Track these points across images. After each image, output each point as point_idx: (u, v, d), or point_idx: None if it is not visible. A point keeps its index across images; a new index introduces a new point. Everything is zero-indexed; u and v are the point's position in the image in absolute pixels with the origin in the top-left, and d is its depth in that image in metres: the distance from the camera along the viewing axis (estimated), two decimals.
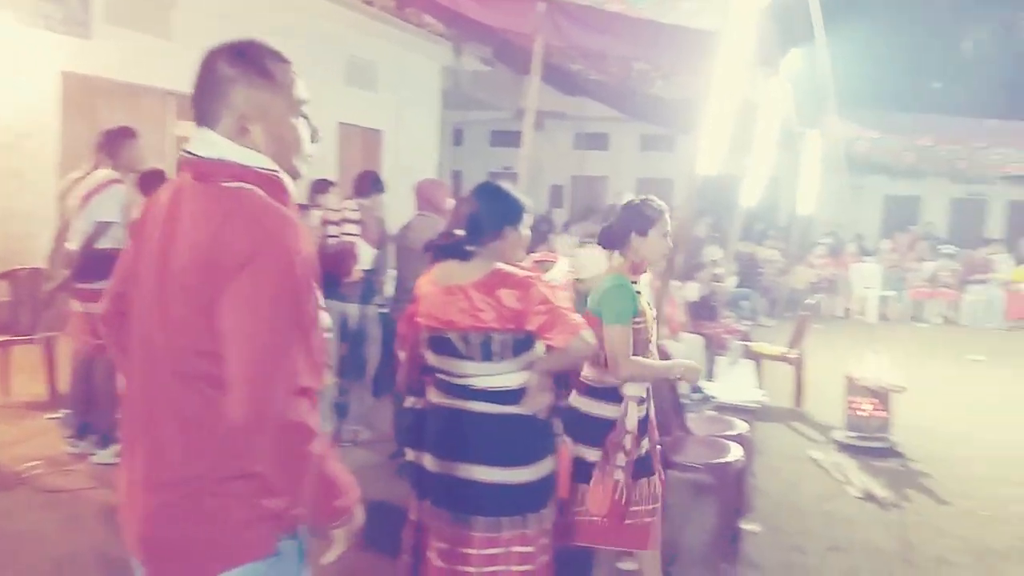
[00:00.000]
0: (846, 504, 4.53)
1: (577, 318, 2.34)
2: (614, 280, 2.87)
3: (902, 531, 4.15)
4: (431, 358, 2.46)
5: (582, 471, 2.82)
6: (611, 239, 2.97)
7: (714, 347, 6.70)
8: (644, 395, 2.84)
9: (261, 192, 1.36)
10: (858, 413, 5.51)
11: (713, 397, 5.46)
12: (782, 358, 6.69)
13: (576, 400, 2.91)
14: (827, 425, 5.91)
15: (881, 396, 5.46)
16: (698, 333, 6.84)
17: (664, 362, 3.06)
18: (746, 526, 4.04)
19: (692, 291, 7.39)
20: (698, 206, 13.98)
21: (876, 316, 12.04)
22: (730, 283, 9.70)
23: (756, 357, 6.63)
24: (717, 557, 3.69)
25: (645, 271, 3.03)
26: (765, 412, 6.11)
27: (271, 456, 1.30)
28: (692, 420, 4.41)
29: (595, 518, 2.79)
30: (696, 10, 4.49)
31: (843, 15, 13.30)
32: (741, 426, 4.36)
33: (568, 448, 2.89)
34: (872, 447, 5.37)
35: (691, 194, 3.82)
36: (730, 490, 3.77)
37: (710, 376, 6.24)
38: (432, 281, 2.43)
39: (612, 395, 2.83)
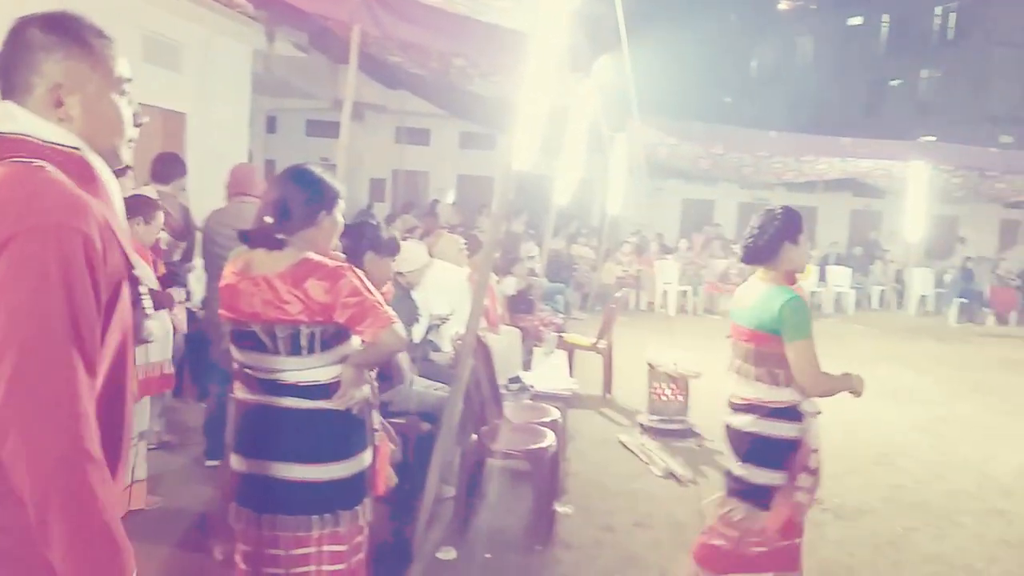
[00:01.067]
0: (650, 483, 4.85)
1: (389, 311, 2.30)
2: (787, 293, 2.70)
3: (699, 505, 4.49)
4: (235, 353, 2.33)
5: (762, 495, 2.73)
6: (761, 253, 2.81)
7: (531, 339, 6.92)
8: (820, 410, 2.74)
9: (53, 169, 1.18)
10: (660, 398, 5.91)
11: (530, 386, 5.63)
12: (592, 348, 7.03)
13: (755, 424, 2.78)
14: (633, 410, 6.28)
15: (679, 382, 5.90)
16: (516, 326, 7.04)
17: (842, 375, 2.88)
18: (559, 508, 4.22)
19: (509, 285, 7.58)
20: (515, 204, 14.39)
21: (675, 309, 12.98)
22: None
23: (569, 348, 6.92)
24: (532, 539, 3.82)
25: (796, 281, 2.84)
26: (577, 399, 6.40)
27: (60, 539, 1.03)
28: (509, 409, 4.54)
29: (759, 548, 2.72)
30: (509, 8, 4.59)
31: (647, 29, 14.23)
32: (555, 413, 4.54)
33: (748, 473, 2.78)
34: (672, 429, 5.79)
35: (505, 191, 3.90)
36: (545, 474, 3.91)
37: (527, 366, 6.44)
38: (236, 271, 2.29)
39: (791, 414, 2.74)
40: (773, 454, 2.78)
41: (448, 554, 3.51)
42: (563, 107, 7.51)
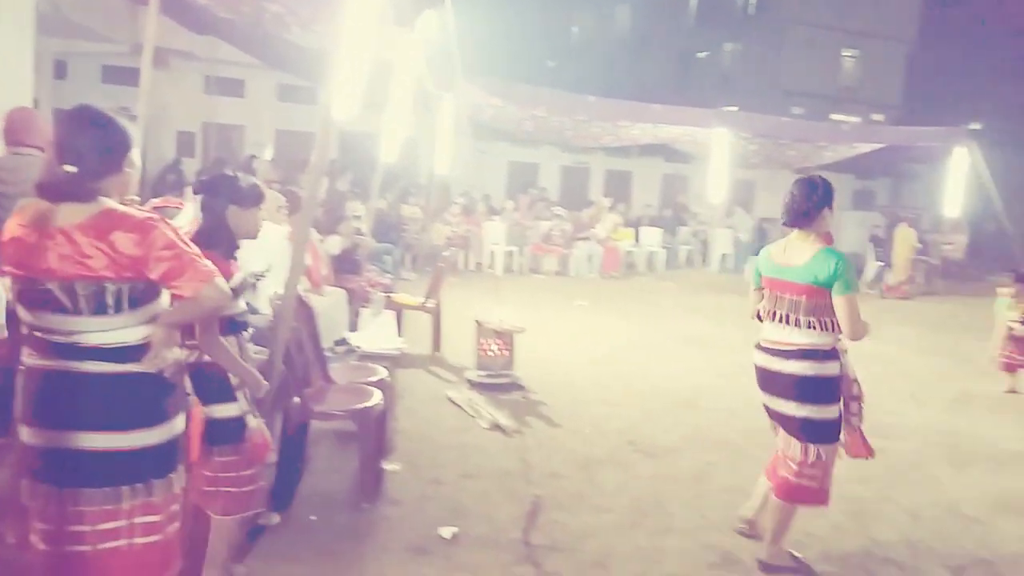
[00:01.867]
0: (477, 436, 4.97)
1: (209, 264, 2.18)
2: (838, 254, 3.19)
3: (523, 453, 4.68)
4: (25, 315, 2.11)
5: (830, 430, 3.25)
6: (804, 218, 3.27)
7: (357, 300, 6.81)
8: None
9: None
10: (487, 354, 6.05)
11: (357, 347, 5.56)
12: (421, 308, 7.05)
13: (812, 368, 3.21)
14: (461, 367, 6.39)
15: (505, 337, 6.06)
16: (342, 286, 6.89)
17: (866, 322, 3.26)
18: (387, 466, 4.23)
19: (334, 245, 7.39)
20: (340, 162, 13.94)
21: (502, 269, 13.28)
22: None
23: (397, 308, 6.89)
24: (359, 498, 3.81)
25: (832, 242, 3.30)
26: (406, 359, 6.42)
27: None
28: (335, 370, 4.46)
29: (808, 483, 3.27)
30: None
31: None
32: (382, 372, 4.52)
33: (814, 412, 3.21)
34: (499, 383, 5.96)
35: (325, 145, 3.78)
36: (371, 433, 3.89)
37: (354, 327, 6.34)
38: (24, 224, 2.06)
39: (835, 355, 3.26)
40: (829, 391, 3.28)
41: (271, 519, 3.42)
42: (387, 62, 7.34)
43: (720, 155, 13.33)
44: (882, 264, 15.97)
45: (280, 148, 15.79)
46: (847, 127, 16.68)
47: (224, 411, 2.70)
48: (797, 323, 3.27)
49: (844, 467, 4.81)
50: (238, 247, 2.81)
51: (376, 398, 3.99)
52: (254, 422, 2.77)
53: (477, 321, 6.13)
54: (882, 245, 16.44)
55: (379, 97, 8.69)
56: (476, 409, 5.38)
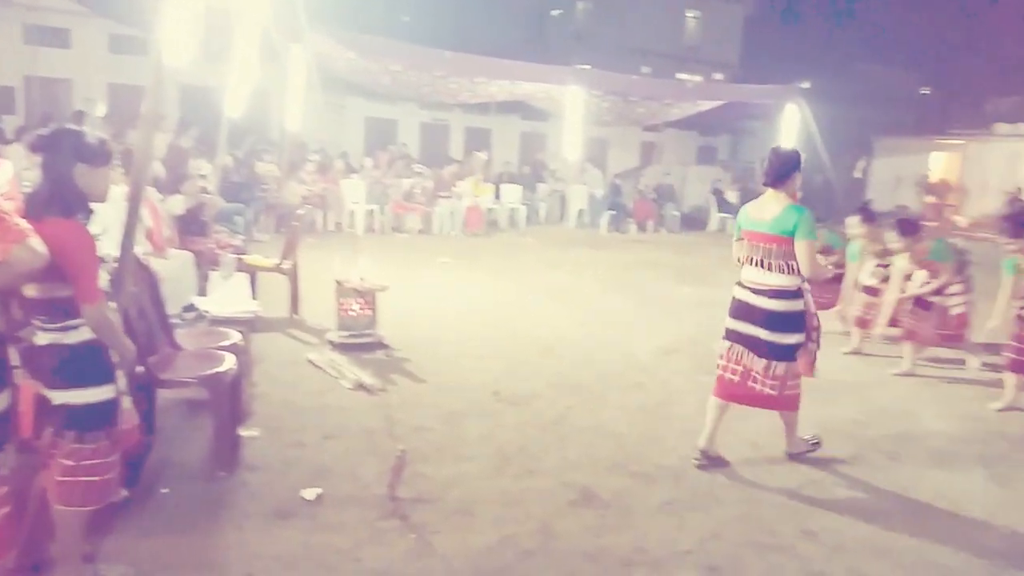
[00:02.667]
0: (340, 397, 4.89)
1: (23, 224, 1.99)
2: (800, 209, 3.89)
3: (388, 411, 4.65)
4: None
5: (791, 352, 3.94)
6: (780, 179, 3.95)
7: (206, 263, 6.47)
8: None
9: None
10: (348, 313, 5.94)
11: (206, 312, 5.30)
12: (276, 270, 6.80)
13: (782, 304, 3.91)
14: (322, 329, 6.24)
15: (367, 296, 5.97)
16: (188, 249, 6.52)
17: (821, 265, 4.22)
18: (245, 432, 4.09)
19: (177, 205, 6.96)
20: (184, 118, 13.08)
21: (363, 229, 13.00)
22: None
23: (250, 270, 6.59)
24: (215, 466, 3.67)
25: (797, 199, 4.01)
26: (263, 323, 6.18)
27: None
28: (182, 336, 4.23)
29: (770, 391, 3.97)
30: None
31: None
32: (234, 336, 4.34)
33: (780, 338, 3.93)
34: (362, 343, 5.87)
35: (156, 96, 3.52)
36: (225, 399, 3.74)
37: (203, 292, 6.03)
38: None
39: (800, 293, 3.94)
40: (796, 322, 3.97)
41: (118, 494, 3.23)
42: (226, 10, 6.92)
43: (574, 113, 13.59)
44: (724, 215, 16.98)
45: (114, 104, 14.58)
46: (691, 85, 17.42)
47: (99, 394, 2.52)
48: (771, 267, 3.94)
49: (692, 404, 5.14)
50: (91, 210, 2.57)
51: (228, 363, 3.82)
52: (127, 403, 2.60)
53: (337, 281, 5.99)
54: (724, 197, 17.46)
55: (222, 48, 8.20)
56: (338, 370, 5.29)
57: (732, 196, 17.64)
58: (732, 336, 4.10)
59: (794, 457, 4.24)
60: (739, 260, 4.16)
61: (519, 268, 10.58)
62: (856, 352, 6.74)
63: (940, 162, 23.94)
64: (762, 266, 3.97)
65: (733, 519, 3.55)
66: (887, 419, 5.06)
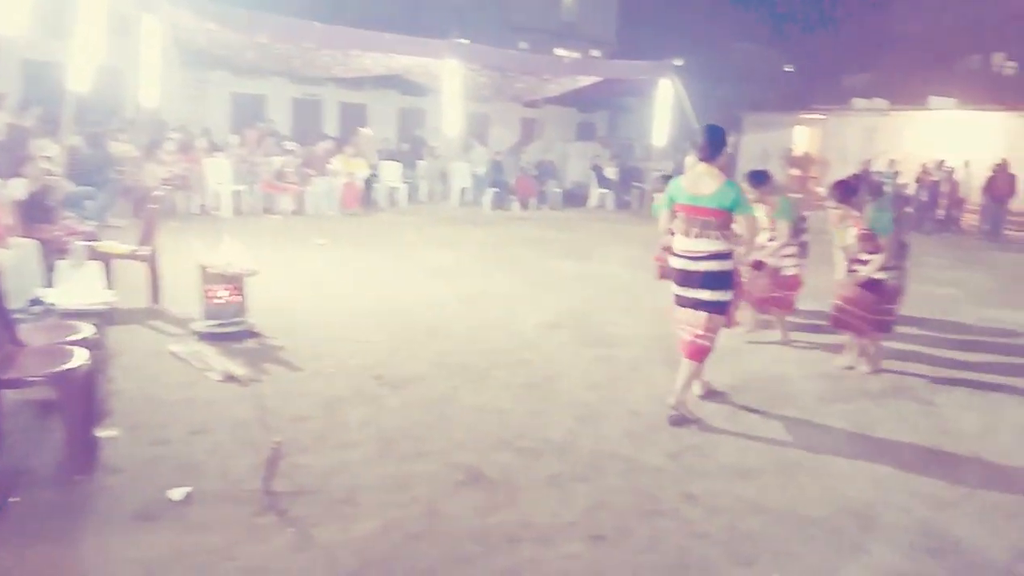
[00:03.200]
0: (208, 390, 4.60)
1: None
2: (735, 186, 4.38)
3: (261, 401, 4.42)
4: None
5: (723, 307, 4.48)
6: (713, 154, 4.36)
7: (53, 252, 5.92)
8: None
9: None
10: (215, 301, 5.60)
11: (54, 305, 4.85)
12: (133, 257, 6.33)
13: (717, 266, 4.34)
14: (187, 318, 5.86)
15: (235, 282, 5.64)
16: (32, 237, 5.95)
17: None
18: (102, 432, 3.77)
19: (18, 189, 6.33)
20: (24, 96, 11.98)
21: (231, 210, 12.37)
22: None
23: (104, 258, 6.08)
24: (70, 471, 3.36)
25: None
26: (120, 314, 5.74)
27: None
28: (27, 331, 3.84)
29: (701, 342, 4.45)
30: None
31: None
32: (87, 329, 3.98)
33: (716, 296, 4.41)
34: (231, 332, 5.55)
35: None
36: (77, 398, 3.42)
37: (50, 283, 5.52)
38: None
39: (730, 255, 4.40)
40: (728, 281, 4.45)
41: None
42: None
43: (453, 87, 13.42)
44: (603, 190, 17.31)
45: None
46: (568, 61, 17.57)
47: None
48: (707, 236, 4.33)
49: (577, 377, 5.18)
50: None
51: (79, 359, 3.49)
52: None
53: (201, 266, 5.63)
54: (603, 174, 17.78)
55: (67, 19, 7.51)
56: (205, 361, 4.98)
57: (611, 172, 17.99)
58: (680, 301, 4.53)
59: (675, 421, 4.40)
60: (668, 230, 4.70)
61: (400, 248, 10.37)
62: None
63: (803, 136, 25.33)
64: (699, 236, 4.35)
65: (617, 488, 3.58)
66: (758, 382, 5.28)
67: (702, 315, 4.41)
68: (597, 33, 30.39)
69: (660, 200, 7.26)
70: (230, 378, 4.74)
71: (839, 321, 5.64)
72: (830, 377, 5.50)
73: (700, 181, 4.35)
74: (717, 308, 4.42)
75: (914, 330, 7.03)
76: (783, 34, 37.85)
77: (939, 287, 9.49)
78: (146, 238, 6.40)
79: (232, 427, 4.03)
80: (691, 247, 4.37)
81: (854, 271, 5.52)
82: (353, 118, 18.25)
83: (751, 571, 2.95)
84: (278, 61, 12.97)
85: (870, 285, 5.42)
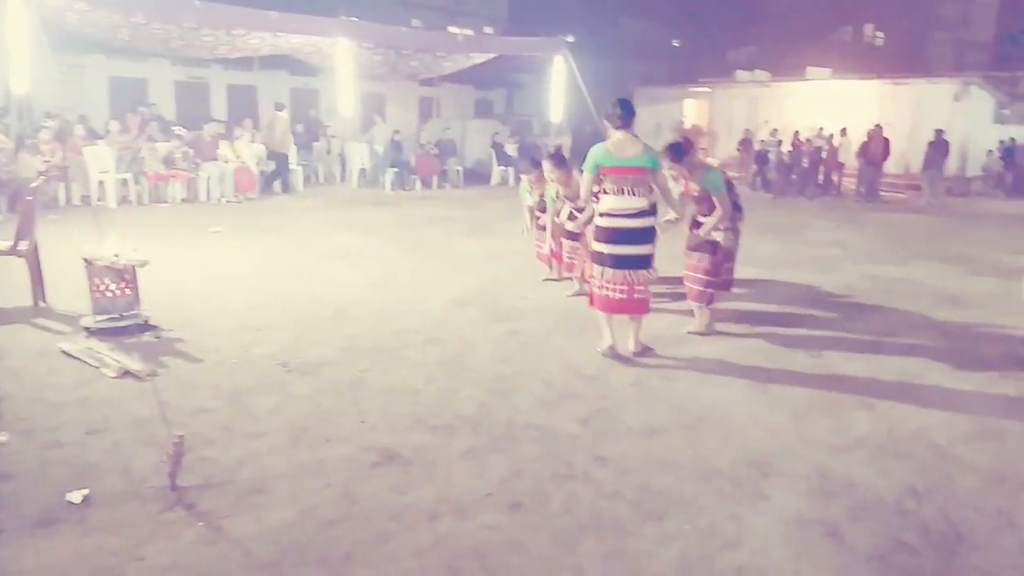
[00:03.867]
0: (103, 387, 4.39)
1: None
2: (652, 148, 4.96)
3: (161, 396, 4.25)
4: None
5: (649, 261, 5.01)
6: (629, 122, 4.90)
7: None
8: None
9: None
10: (104, 295, 5.32)
11: None
12: (11, 253, 5.93)
13: (646, 222, 4.93)
14: (76, 315, 5.56)
15: (125, 274, 5.38)
16: None
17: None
18: None
19: None
20: None
21: (116, 200, 11.75)
22: None
23: None
24: None
25: None
26: (1, 314, 5.39)
27: None
28: None
29: (642, 296, 5.05)
30: None
31: None
32: None
33: (644, 250, 4.98)
34: (124, 326, 5.30)
35: None
36: None
37: None
38: None
39: (655, 211, 5.02)
40: (652, 235, 4.99)
41: None
42: None
43: (345, 66, 13.13)
44: (504, 168, 17.37)
45: None
46: (463, 38, 17.44)
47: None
48: (636, 193, 4.86)
49: (488, 352, 5.23)
50: None
51: None
52: None
53: (85, 259, 5.33)
54: (503, 151, 17.82)
55: None
56: (98, 358, 4.74)
57: (511, 149, 18.05)
58: (617, 261, 4.94)
59: (639, 354, 5.15)
60: (591, 195, 5.15)
61: (301, 232, 10.12)
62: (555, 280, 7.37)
63: (692, 109, 26.09)
64: (632, 194, 4.86)
65: (532, 457, 3.65)
66: (662, 345, 5.46)
67: (642, 271, 4.95)
68: (489, 11, 30.28)
69: (527, 182, 7.42)
70: (126, 374, 4.53)
71: (692, 293, 5.75)
72: (726, 339, 5.74)
73: (625, 145, 4.87)
74: (651, 261, 5.00)
75: (802, 288, 7.43)
76: (670, 10, 38.80)
77: (823, 248, 10.05)
78: (24, 232, 6.00)
79: (131, 424, 3.87)
80: (629, 205, 4.87)
81: (694, 233, 5.68)
82: (242, 100, 17.61)
83: (662, 525, 3.07)
84: (157, 42, 12.33)
85: (707, 246, 5.60)
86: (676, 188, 5.62)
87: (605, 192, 4.95)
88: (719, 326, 5.93)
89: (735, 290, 6.73)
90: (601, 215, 4.97)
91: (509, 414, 4.17)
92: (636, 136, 4.91)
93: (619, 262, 4.93)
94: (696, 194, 5.60)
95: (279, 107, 14.36)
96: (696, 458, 3.69)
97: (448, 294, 6.89)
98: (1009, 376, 5.00)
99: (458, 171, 17.14)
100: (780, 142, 18.15)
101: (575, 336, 5.66)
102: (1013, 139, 18.82)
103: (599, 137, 5.95)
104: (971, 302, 7.12)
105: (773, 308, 6.69)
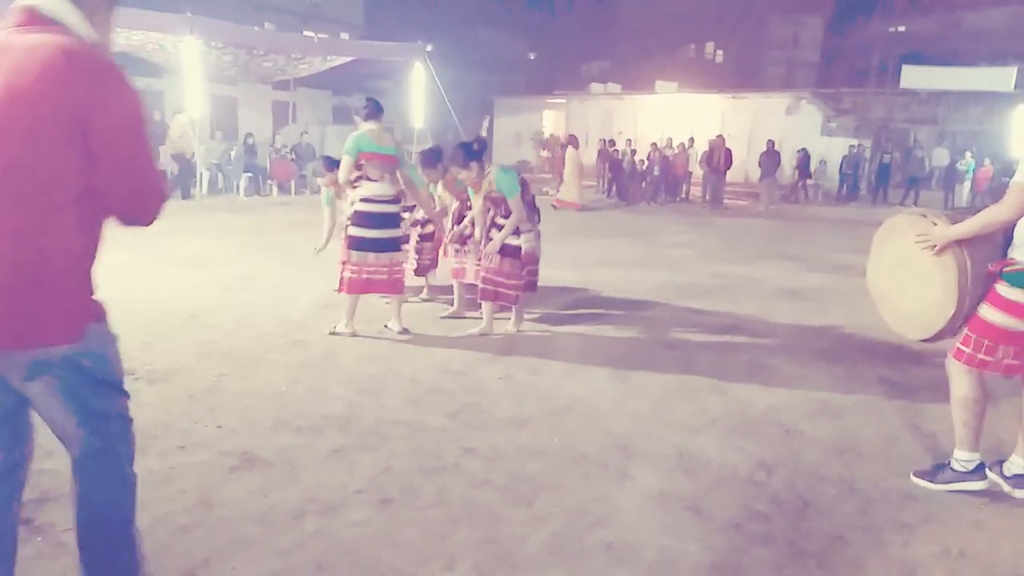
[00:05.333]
0: None
1: None
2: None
3: None
4: None
5: (401, 241, 5.62)
6: (379, 115, 5.34)
7: None
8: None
9: None
10: None
11: None
12: None
13: (397, 207, 5.44)
14: None
15: None
16: None
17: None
18: None
19: None
20: None
21: None
22: None
23: None
24: None
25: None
26: None
27: None
28: None
29: (398, 277, 5.49)
30: None
31: None
32: None
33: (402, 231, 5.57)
34: None
35: None
36: None
37: None
38: None
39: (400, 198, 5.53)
40: (400, 220, 5.57)
41: None
42: None
43: (193, 66, 12.49)
44: None
45: None
46: (319, 40, 17.06)
47: None
48: (390, 180, 5.27)
49: (355, 353, 5.11)
50: None
51: None
52: None
53: None
54: None
55: None
56: None
57: None
58: (380, 244, 5.26)
59: (402, 332, 5.53)
60: (349, 181, 5.28)
61: (149, 240, 9.48)
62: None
63: (550, 119, 26.82)
64: (388, 181, 5.25)
65: (401, 452, 3.59)
66: (523, 341, 5.54)
67: (398, 253, 5.39)
68: (344, 16, 29.87)
69: (327, 183, 6.75)
70: None
71: (487, 293, 5.52)
72: (587, 334, 5.91)
73: (378, 135, 5.24)
74: (400, 243, 5.46)
75: (659, 286, 7.79)
76: (525, 23, 39.73)
77: (674, 249, 10.59)
78: None
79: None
80: (381, 191, 5.26)
81: (490, 238, 5.48)
82: None
83: (532, 510, 3.10)
84: None
85: (508, 250, 5.44)
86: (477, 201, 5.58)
87: (368, 179, 5.28)
88: (580, 323, 6.09)
89: (595, 288, 6.97)
90: (363, 200, 5.28)
91: (378, 412, 4.09)
92: (387, 129, 5.37)
93: (381, 245, 5.29)
94: (493, 196, 5.47)
95: (178, 110, 13.63)
96: (563, 444, 3.76)
97: (312, 297, 6.69)
98: (842, 360, 5.45)
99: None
100: (635, 151, 18.98)
101: (442, 333, 5.64)
102: (855, 147, 20.19)
103: (460, 143, 5.84)
104: (807, 295, 7.72)
105: (631, 302, 6.96)
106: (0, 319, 1.78)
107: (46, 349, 1.85)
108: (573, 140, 16.59)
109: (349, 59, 15.50)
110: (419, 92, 16.28)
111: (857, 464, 3.69)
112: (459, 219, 6.08)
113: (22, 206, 1.74)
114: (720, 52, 34.81)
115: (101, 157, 1.78)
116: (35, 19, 1.81)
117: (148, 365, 4.69)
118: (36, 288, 1.79)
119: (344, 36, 28.79)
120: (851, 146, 20.25)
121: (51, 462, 3.30)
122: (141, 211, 1.92)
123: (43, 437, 3.50)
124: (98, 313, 2.00)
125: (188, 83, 12.86)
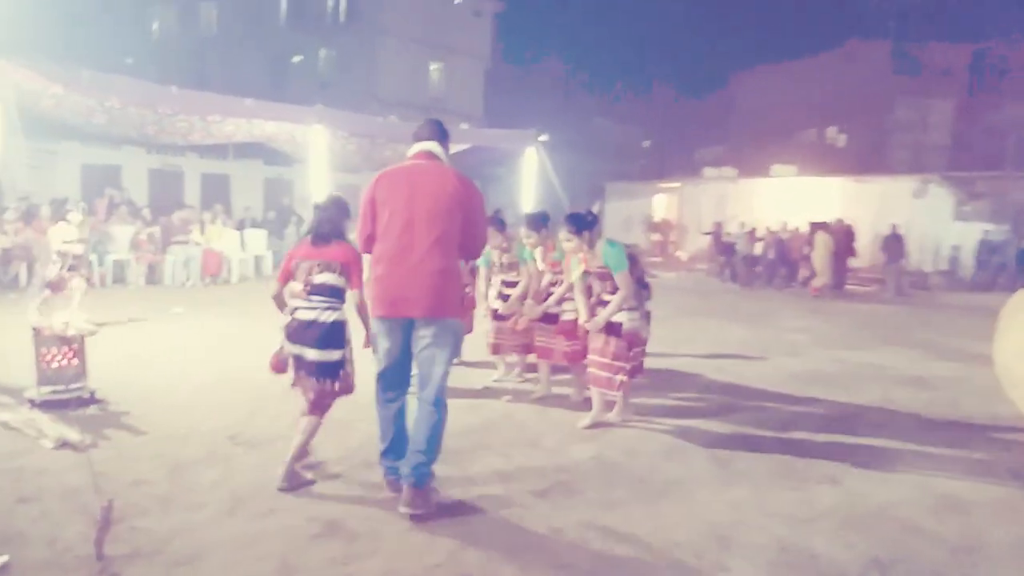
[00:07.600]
0: (40, 458, 4.18)
1: None
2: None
3: (99, 467, 4.04)
4: None
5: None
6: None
7: None
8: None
9: None
10: (51, 366, 5.14)
11: None
12: None
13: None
14: (20, 387, 5.35)
15: (73, 344, 5.22)
16: None
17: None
18: None
19: None
20: None
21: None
22: None
23: None
24: None
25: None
26: None
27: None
28: None
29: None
30: None
31: None
32: None
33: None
34: (68, 398, 5.10)
35: None
36: None
37: None
38: None
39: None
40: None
41: None
42: None
43: (319, 152, 13.31)
44: None
45: None
46: None
47: None
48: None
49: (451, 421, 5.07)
50: None
51: None
52: None
53: (34, 328, 5.18)
54: None
55: None
56: (38, 428, 4.53)
57: None
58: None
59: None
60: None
61: (263, 315, 9.96)
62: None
63: (662, 203, 26.74)
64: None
65: (484, 528, 3.48)
66: (622, 437, 5.36)
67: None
68: (465, 108, 31.25)
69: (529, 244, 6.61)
70: (65, 445, 4.33)
71: (600, 380, 5.14)
72: (690, 418, 5.65)
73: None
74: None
75: (773, 370, 7.41)
76: (640, 112, 40.41)
77: (791, 334, 10.10)
78: None
79: (63, 494, 3.66)
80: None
81: (595, 315, 5.13)
82: (216, 188, 17.73)
83: None
84: (131, 127, 12.43)
85: (611, 329, 5.05)
86: (577, 266, 5.17)
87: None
88: (675, 403, 5.84)
89: (703, 371, 6.70)
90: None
91: (465, 484, 4.01)
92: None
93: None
94: (598, 270, 5.11)
95: (226, 196, 14.48)
96: (656, 530, 3.54)
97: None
98: (972, 452, 4.94)
99: None
100: (752, 231, 18.50)
101: (541, 412, 5.54)
102: (990, 232, 18.85)
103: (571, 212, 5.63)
104: (935, 384, 7.13)
105: (741, 388, 6.63)
106: (432, 304, 3.62)
107: (443, 320, 3.69)
108: (823, 226, 16.56)
109: (466, 147, 16.11)
110: (530, 177, 16.66)
111: (985, 567, 3.28)
112: (546, 296, 5.81)
113: (447, 255, 3.67)
114: (843, 136, 33.98)
115: (466, 224, 3.71)
116: (431, 157, 3.87)
117: (250, 431, 4.82)
118: (446, 292, 3.67)
119: (464, 126, 30.16)
120: (986, 231, 19.01)
121: (145, 520, 3.41)
122: (476, 253, 4.05)
123: (143, 496, 3.65)
124: (460, 312, 3.91)
125: (313, 169, 13.70)
